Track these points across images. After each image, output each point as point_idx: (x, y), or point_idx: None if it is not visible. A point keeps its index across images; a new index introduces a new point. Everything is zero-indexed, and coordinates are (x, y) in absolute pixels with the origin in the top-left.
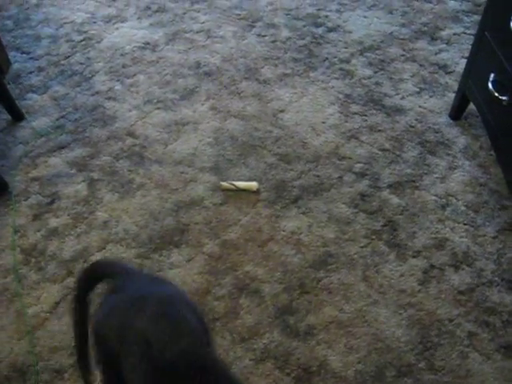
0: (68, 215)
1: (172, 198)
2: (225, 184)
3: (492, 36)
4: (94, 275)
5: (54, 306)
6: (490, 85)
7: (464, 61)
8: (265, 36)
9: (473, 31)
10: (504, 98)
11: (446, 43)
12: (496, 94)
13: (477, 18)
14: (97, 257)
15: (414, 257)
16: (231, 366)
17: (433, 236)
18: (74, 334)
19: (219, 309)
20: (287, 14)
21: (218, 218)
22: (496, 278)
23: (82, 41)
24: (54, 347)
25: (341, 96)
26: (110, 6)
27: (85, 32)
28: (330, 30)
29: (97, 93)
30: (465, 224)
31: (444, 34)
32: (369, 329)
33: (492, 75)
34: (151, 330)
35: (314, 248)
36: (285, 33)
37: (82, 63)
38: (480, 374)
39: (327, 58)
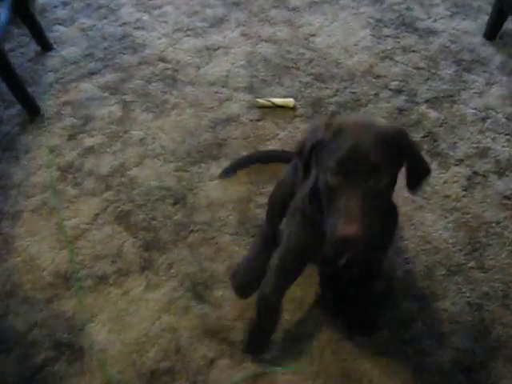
0: (103, 135)
1: (208, 115)
2: (261, 100)
3: None
4: None
5: (93, 218)
6: None
7: None
8: None
9: None
10: None
11: None
12: None
13: None
14: (133, 171)
15: (456, 165)
16: None
17: (474, 146)
18: None
19: (261, 216)
20: None
21: (255, 133)
22: None
23: None
24: (96, 255)
25: (372, 21)
26: None
27: None
28: None
29: (124, 23)
30: (506, 134)
31: None
32: (415, 231)
33: None
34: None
35: None
36: None
37: None
38: None
39: None
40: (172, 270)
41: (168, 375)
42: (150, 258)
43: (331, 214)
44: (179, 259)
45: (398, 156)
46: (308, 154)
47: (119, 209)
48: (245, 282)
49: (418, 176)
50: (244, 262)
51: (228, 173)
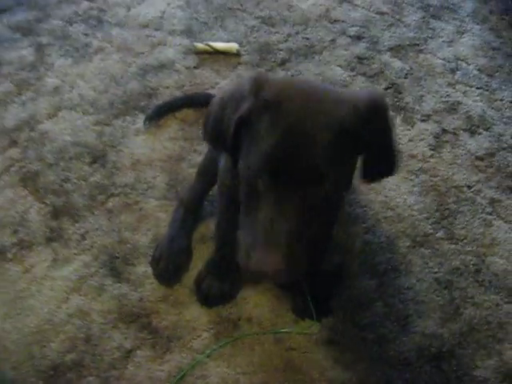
0: (11, 82)
1: (137, 61)
2: (200, 45)
3: None
4: None
5: None
6: None
7: None
8: None
9: None
10: None
11: None
12: None
13: None
14: (46, 125)
15: (423, 121)
16: None
17: (443, 100)
18: None
19: None
20: None
21: (191, 82)
22: None
23: None
24: None
25: None
26: None
27: None
28: None
29: None
30: (478, 88)
31: None
32: (376, 196)
33: None
34: None
35: None
36: None
37: None
38: (507, 242)
39: None
40: (85, 242)
41: (74, 371)
42: (59, 228)
43: (248, 228)
44: (94, 228)
45: (357, 149)
46: (233, 136)
47: (25, 169)
48: (169, 268)
49: (380, 170)
50: (165, 243)
51: (152, 119)
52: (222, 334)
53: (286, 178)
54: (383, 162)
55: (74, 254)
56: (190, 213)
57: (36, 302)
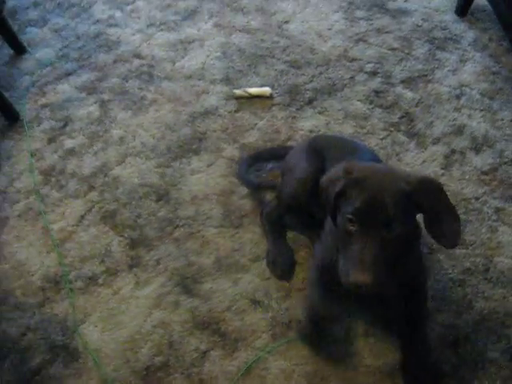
0: (83, 135)
1: (186, 109)
2: (238, 91)
3: None
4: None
5: (79, 220)
6: None
7: None
8: None
9: None
10: None
11: None
12: None
13: None
14: (116, 171)
15: (434, 144)
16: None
17: (451, 124)
18: None
19: (245, 206)
20: None
21: (234, 124)
22: None
23: None
24: (85, 257)
25: (344, 4)
26: None
27: None
28: None
29: (97, 21)
30: (481, 110)
31: None
32: None
33: None
34: None
35: None
36: None
37: None
38: (511, 244)
39: None
40: (160, 266)
41: (162, 370)
42: (138, 256)
43: (345, 257)
44: (166, 255)
45: (416, 209)
46: (334, 205)
47: (104, 209)
48: (285, 268)
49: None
50: (272, 251)
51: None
52: (278, 334)
53: (369, 224)
54: (442, 224)
55: (152, 276)
56: (277, 225)
57: (126, 317)
